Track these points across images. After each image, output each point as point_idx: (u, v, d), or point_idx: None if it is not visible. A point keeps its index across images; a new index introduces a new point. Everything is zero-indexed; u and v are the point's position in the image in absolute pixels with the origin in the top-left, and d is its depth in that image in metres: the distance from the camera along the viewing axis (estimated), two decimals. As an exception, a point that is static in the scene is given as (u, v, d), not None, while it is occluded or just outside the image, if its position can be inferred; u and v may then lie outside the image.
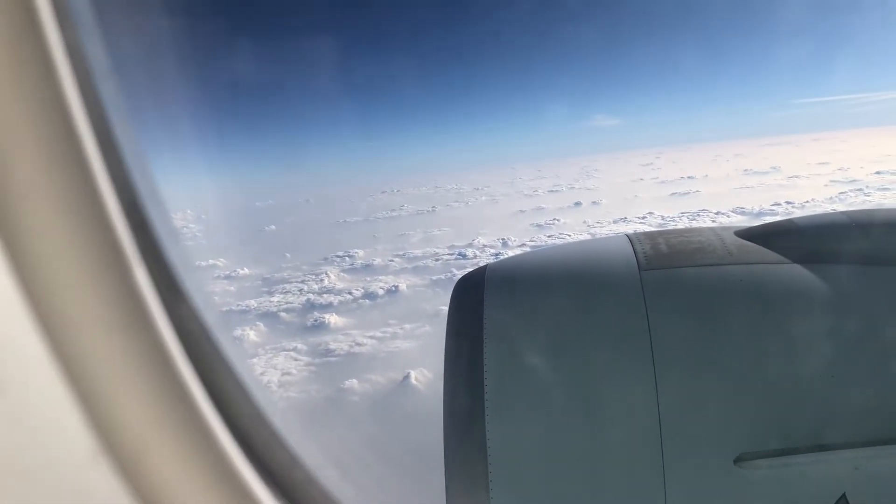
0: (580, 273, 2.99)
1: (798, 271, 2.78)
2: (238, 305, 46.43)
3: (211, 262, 64.01)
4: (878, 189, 72.58)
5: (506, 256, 3.53)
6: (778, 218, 3.45)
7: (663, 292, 2.74)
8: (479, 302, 2.82)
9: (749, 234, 3.07)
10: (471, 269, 3.17)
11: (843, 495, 2.36)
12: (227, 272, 59.42)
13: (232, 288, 53.98)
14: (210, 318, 1.48)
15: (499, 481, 2.48)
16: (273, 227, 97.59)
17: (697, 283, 2.79)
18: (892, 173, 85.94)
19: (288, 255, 65.26)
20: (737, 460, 2.41)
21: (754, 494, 2.44)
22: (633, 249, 2.98)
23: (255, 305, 45.78)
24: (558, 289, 2.92)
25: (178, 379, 1.27)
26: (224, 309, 45.79)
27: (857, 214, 3.11)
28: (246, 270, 59.25)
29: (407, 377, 28.92)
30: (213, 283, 55.73)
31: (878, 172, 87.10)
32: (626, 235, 3.18)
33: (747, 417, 2.51)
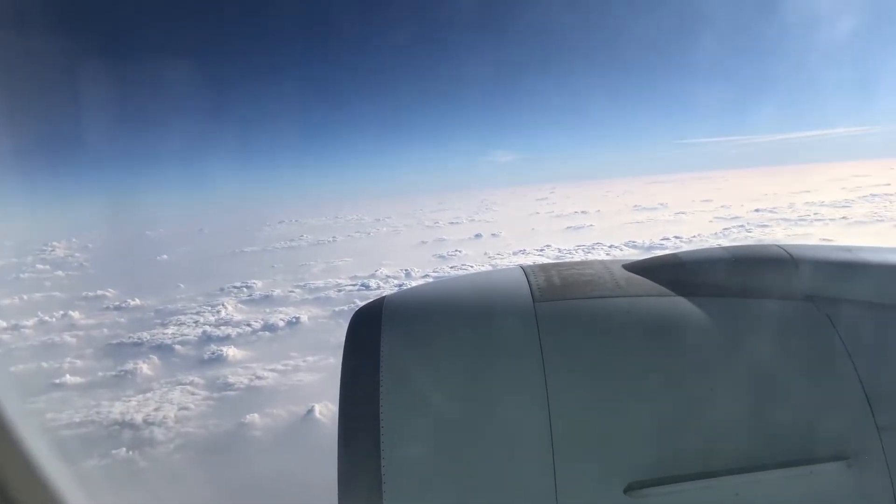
0: (476, 304, 3.05)
1: (682, 303, 2.93)
2: (129, 338, 44.43)
3: (99, 292, 61.17)
4: (758, 226, 77.42)
5: (405, 287, 3.61)
6: (667, 251, 3.67)
7: (556, 323, 2.82)
8: (376, 334, 2.83)
9: (636, 268, 3.22)
10: (368, 301, 3.20)
11: None
12: (117, 303, 56.87)
13: (122, 319, 51.62)
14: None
15: None
16: (165, 256, 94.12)
17: (588, 314, 2.89)
18: (770, 211, 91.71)
19: (182, 285, 63.12)
20: (626, 489, 2.49)
21: None
22: (528, 281, 3.07)
23: (148, 338, 43.91)
24: (455, 320, 2.96)
25: None
26: (115, 342, 43.83)
27: (737, 250, 3.31)
28: (137, 301, 56.82)
29: (311, 411, 28.39)
30: (102, 315, 53.21)
31: (756, 210, 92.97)
32: (521, 267, 3.27)
33: (636, 446, 2.59)
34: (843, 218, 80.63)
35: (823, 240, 61.52)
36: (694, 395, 2.66)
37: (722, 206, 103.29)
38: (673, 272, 3.13)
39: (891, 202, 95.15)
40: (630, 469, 2.52)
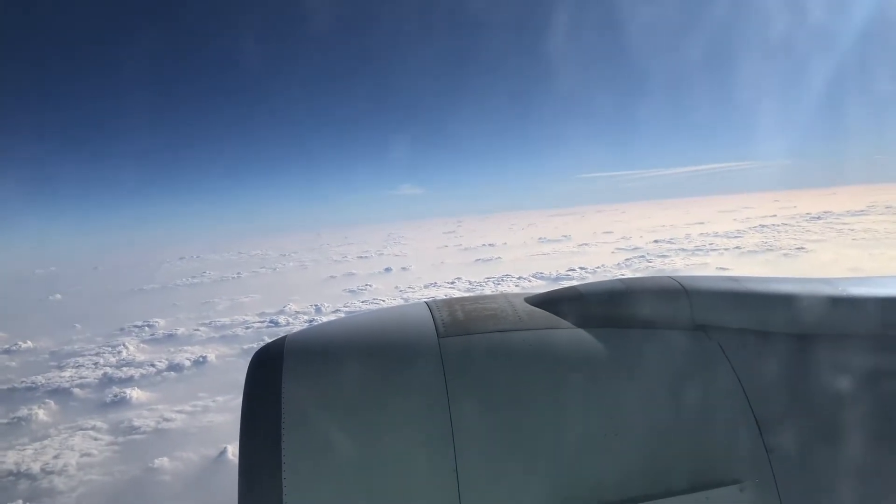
0: (381, 341, 3.04)
1: (581, 335, 3.01)
2: (22, 382, 41.84)
3: (-15, 335, 57.49)
4: (658, 256, 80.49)
5: (308, 326, 3.64)
6: (573, 282, 3.86)
7: (460, 358, 2.84)
8: (277, 375, 2.76)
9: (538, 301, 3.30)
10: (268, 341, 3.09)
11: None
12: (7, 346, 53.59)
13: (13, 363, 48.61)
14: None
15: None
16: (58, 296, 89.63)
17: (491, 348, 2.91)
18: (668, 241, 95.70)
19: (78, 325, 60.19)
20: None
21: None
22: (432, 316, 3.10)
23: (43, 381, 41.47)
24: (359, 358, 2.92)
25: None
26: (6, 387, 41.22)
27: (633, 282, 3.40)
28: (29, 343, 53.75)
29: (223, 452, 27.43)
30: (-10, 359, 49.98)
31: (656, 241, 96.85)
32: (426, 303, 3.32)
33: (542, 480, 2.63)
34: (737, 248, 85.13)
35: (720, 269, 64.67)
36: (592, 426, 2.72)
37: (622, 238, 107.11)
38: (572, 305, 3.21)
39: (777, 232, 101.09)
40: (535, 503, 2.57)
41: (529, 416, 2.74)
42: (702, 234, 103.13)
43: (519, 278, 69.30)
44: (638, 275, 4.04)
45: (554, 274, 70.02)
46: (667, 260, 76.84)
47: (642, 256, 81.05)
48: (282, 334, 3.09)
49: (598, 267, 73.20)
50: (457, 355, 2.84)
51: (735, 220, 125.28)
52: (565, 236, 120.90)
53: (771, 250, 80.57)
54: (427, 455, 2.62)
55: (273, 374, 2.77)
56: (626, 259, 79.65)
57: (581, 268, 73.18)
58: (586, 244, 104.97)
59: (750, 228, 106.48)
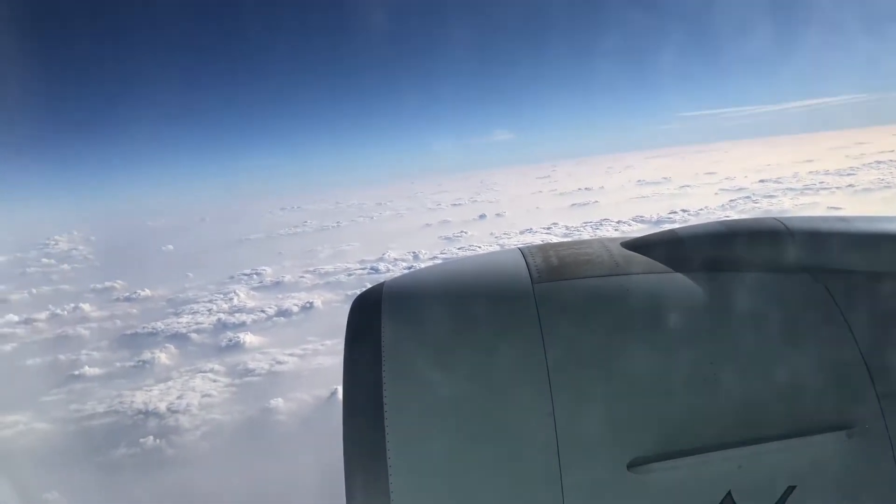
0: (475, 287, 3.06)
1: (679, 279, 2.93)
2: (144, 328, 44.49)
3: (107, 284, 61.27)
4: (765, 196, 77.27)
5: (405, 272, 3.64)
6: (675, 225, 3.69)
7: (554, 304, 2.82)
8: (376, 320, 2.81)
9: (634, 245, 3.21)
10: (367, 288, 3.14)
11: (729, 493, 2.51)
12: (127, 294, 56.94)
13: (134, 310, 51.71)
14: None
15: (400, 496, 2.50)
16: (170, 246, 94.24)
17: (587, 294, 2.90)
18: (775, 181, 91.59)
19: (190, 274, 63.21)
20: (630, 465, 2.51)
21: (647, 497, 2.53)
22: (526, 263, 3.07)
23: (163, 327, 43.98)
24: (454, 304, 2.95)
25: None
26: (129, 332, 43.88)
27: (734, 224, 3.31)
28: (148, 292, 56.91)
29: (334, 393, 28.44)
30: (113, 306, 53.29)
31: (761, 181, 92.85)
32: (519, 249, 3.28)
33: (638, 423, 2.59)
34: (850, 186, 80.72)
35: (831, 209, 61.53)
36: (694, 370, 2.67)
37: (726, 179, 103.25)
38: (670, 248, 3.12)
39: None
40: (633, 445, 2.53)
41: (627, 363, 2.70)
42: (811, 172, 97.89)
43: (618, 222, 67.90)
44: (743, 217, 3.77)
45: (654, 217, 68.35)
46: (774, 200, 73.88)
47: (748, 197, 78.06)
48: (382, 281, 3.11)
49: (701, 209, 71.15)
50: (551, 301, 2.82)
51: (847, 156, 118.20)
52: (665, 178, 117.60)
53: (888, 188, 76.29)
54: (524, 399, 2.63)
55: (373, 318, 2.82)
56: (731, 200, 76.92)
57: (683, 210, 71.36)
58: (688, 186, 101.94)
59: (864, 165, 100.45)
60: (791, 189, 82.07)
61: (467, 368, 2.72)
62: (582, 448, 2.55)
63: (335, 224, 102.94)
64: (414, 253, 62.34)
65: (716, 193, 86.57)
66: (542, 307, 2.78)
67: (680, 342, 2.76)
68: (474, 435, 2.61)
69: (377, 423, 2.56)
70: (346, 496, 2.57)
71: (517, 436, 2.59)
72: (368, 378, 2.65)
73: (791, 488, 2.53)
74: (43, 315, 51.17)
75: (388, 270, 55.32)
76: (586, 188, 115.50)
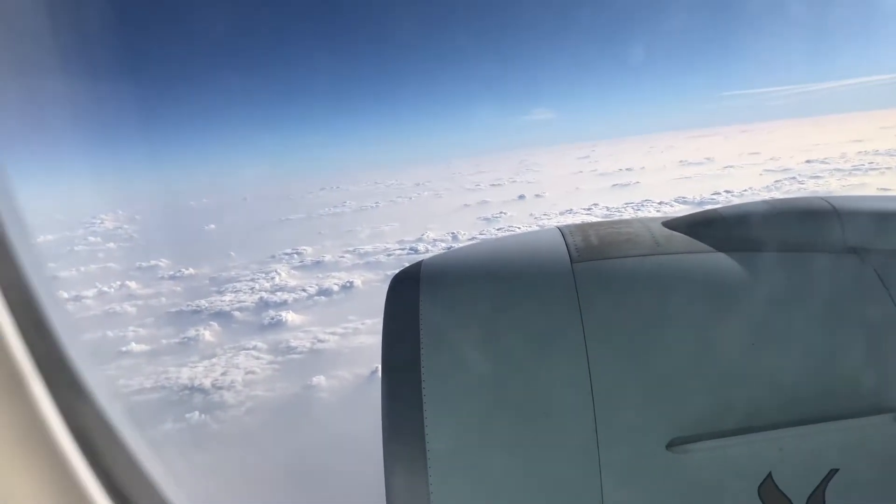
0: (514, 266, 3.05)
1: (722, 259, 2.89)
2: (188, 306, 45.28)
3: (152, 262, 62.36)
4: (811, 177, 75.51)
5: (441, 251, 3.60)
6: (718, 206, 3.58)
7: (594, 283, 2.81)
8: (414, 298, 2.84)
9: (676, 225, 3.17)
10: (405, 266, 3.18)
11: (769, 475, 2.48)
12: (172, 272, 57.91)
13: (178, 288, 52.63)
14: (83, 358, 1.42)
15: (438, 473, 2.52)
16: (213, 226, 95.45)
17: (627, 273, 2.87)
18: (822, 162, 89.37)
19: (233, 253, 63.97)
20: (669, 445, 2.49)
21: (686, 478, 2.52)
22: (565, 242, 3.05)
23: (207, 305, 44.68)
24: (493, 282, 2.97)
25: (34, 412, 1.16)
26: (174, 310, 44.72)
27: (778, 203, 3.27)
28: (191, 270, 57.82)
29: (374, 372, 28.66)
30: (158, 284, 54.31)
31: (808, 161, 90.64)
32: (558, 228, 3.26)
33: (678, 403, 2.59)
34: (901, 166, 78.11)
35: (881, 189, 59.97)
36: (736, 352, 2.65)
37: (771, 159, 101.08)
38: (713, 228, 3.09)
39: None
40: (672, 425, 2.53)
41: (667, 343, 2.69)
42: (860, 152, 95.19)
43: (660, 203, 67.03)
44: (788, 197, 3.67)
45: (697, 198, 67.16)
46: (821, 181, 72.24)
47: (793, 178, 76.41)
48: (420, 259, 3.09)
49: (746, 190, 69.70)
50: (590, 280, 2.81)
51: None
52: (708, 158, 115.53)
53: (944, 168, 73.86)
54: (561, 377, 2.64)
55: (411, 296, 2.85)
56: (776, 181, 75.36)
57: (727, 191, 69.94)
58: (731, 166, 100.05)
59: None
60: (839, 170, 79.99)
61: (505, 347, 2.73)
62: (620, 427, 2.54)
63: (374, 204, 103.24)
64: (453, 233, 62.31)
65: (760, 174, 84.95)
66: (581, 286, 2.76)
67: (721, 323, 2.73)
68: (511, 412, 2.63)
69: (415, 399, 2.58)
70: (384, 470, 2.59)
71: (554, 414, 2.60)
72: (407, 355, 2.68)
73: (833, 471, 2.49)
74: (91, 292, 52.35)
75: (427, 251, 55.34)
76: (627, 168, 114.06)
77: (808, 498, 2.48)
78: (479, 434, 2.64)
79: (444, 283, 2.99)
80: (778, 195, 64.70)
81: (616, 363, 2.63)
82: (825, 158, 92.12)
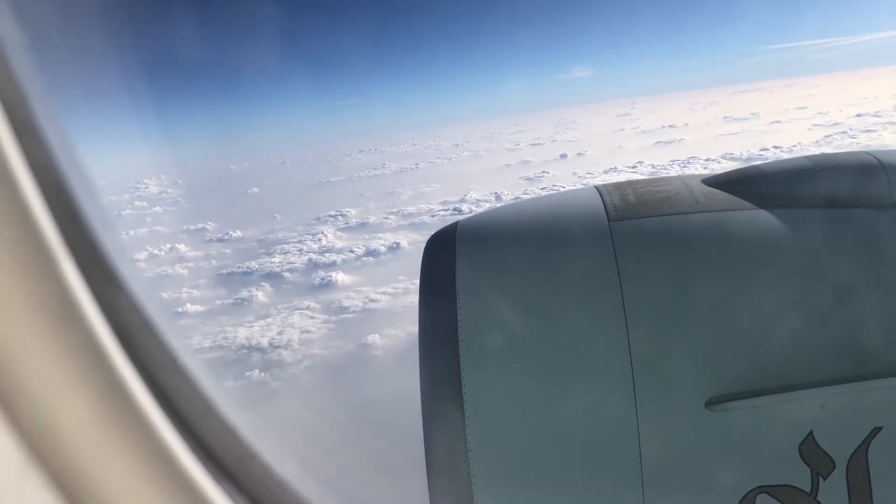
0: (550, 226, 3.03)
1: (763, 217, 2.83)
2: (239, 267, 46.01)
3: (199, 225, 63.32)
4: (863, 131, 73.31)
5: (470, 213, 3.53)
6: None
7: (632, 242, 2.77)
8: (450, 258, 2.84)
9: (716, 182, 3.11)
10: (441, 228, 3.16)
11: (811, 433, 2.45)
12: (220, 235, 58.81)
13: (228, 250, 53.47)
14: (150, 309, 1.37)
15: (476, 433, 2.52)
16: (255, 189, 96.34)
17: (665, 231, 2.83)
18: (873, 115, 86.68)
19: (277, 215, 64.64)
20: (707, 403, 2.47)
21: (725, 436, 2.50)
22: (602, 201, 3.01)
23: (257, 266, 45.38)
24: (529, 242, 2.94)
25: (116, 377, 1.14)
26: (225, 271, 45.48)
27: (822, 159, 3.18)
28: (238, 233, 58.62)
29: (427, 331, 28.94)
30: (207, 246, 55.19)
31: (858, 115, 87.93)
32: (595, 187, 3.22)
33: (717, 361, 2.56)
34: (960, 118, 75.52)
35: (938, 142, 58.10)
36: (777, 309, 2.61)
37: (819, 113, 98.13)
38: (754, 185, 3.03)
39: None
40: (712, 384, 2.50)
41: (706, 301, 2.66)
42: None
43: (707, 160, 65.68)
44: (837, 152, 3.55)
45: (745, 154, 65.80)
46: (874, 135, 70.05)
47: (844, 132, 74.17)
48: (456, 221, 3.07)
49: (795, 145, 67.94)
50: (628, 239, 2.78)
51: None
52: (753, 114, 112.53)
53: None
54: (600, 336, 2.64)
55: (447, 257, 2.88)
56: (826, 136, 73.26)
57: (775, 147, 68.29)
58: (778, 122, 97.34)
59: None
60: (893, 123, 77.57)
61: (542, 306, 2.75)
62: (658, 386, 2.55)
63: (414, 166, 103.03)
64: (496, 194, 62.03)
65: (809, 129, 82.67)
66: (619, 245, 2.75)
67: (762, 280, 2.71)
68: (549, 371, 2.65)
69: (453, 358, 2.62)
70: (423, 433, 2.64)
71: (591, 372, 2.62)
72: (444, 316, 2.72)
73: (877, 430, 2.46)
74: (142, 255, 53.46)
75: (471, 211, 54.99)
76: (670, 125, 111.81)
77: (851, 456, 2.45)
78: (517, 394, 2.65)
79: (480, 244, 3.00)
80: (830, 150, 62.70)
81: (654, 322, 2.63)
82: (877, 111, 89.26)
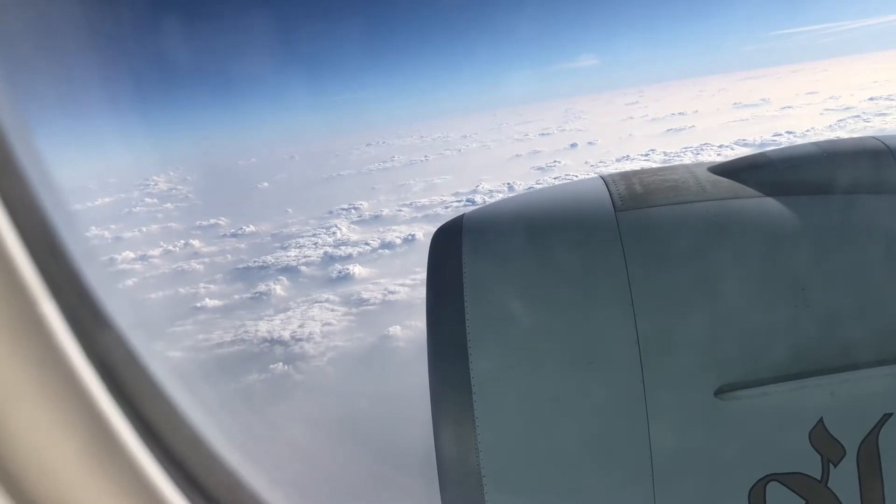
0: (557, 216, 3.03)
1: (770, 204, 2.82)
2: (254, 262, 46.17)
3: (212, 221, 63.52)
4: (876, 115, 72.90)
5: (483, 204, 3.56)
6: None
7: (638, 232, 2.77)
8: (457, 250, 2.84)
9: (722, 170, 3.11)
10: (447, 220, 3.16)
11: (821, 420, 2.45)
12: (233, 230, 59.01)
13: (242, 245, 53.67)
14: (138, 341, 1.39)
15: (484, 424, 2.53)
16: (265, 184, 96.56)
17: (672, 221, 2.83)
18: (886, 98, 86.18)
19: (289, 210, 64.80)
20: (717, 392, 2.47)
21: (735, 424, 2.50)
22: (608, 191, 3.01)
23: (273, 261, 45.53)
24: (535, 233, 2.93)
25: (101, 416, 1.14)
26: (241, 266, 45.61)
27: (829, 145, 3.15)
28: (252, 228, 58.82)
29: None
30: (221, 242, 55.35)
31: (871, 99, 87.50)
32: (601, 177, 3.22)
33: (726, 350, 2.56)
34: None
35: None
36: (784, 296, 2.59)
37: (830, 98, 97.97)
38: (761, 172, 3.02)
39: None
40: (721, 372, 2.50)
41: (714, 290, 2.64)
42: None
43: (720, 147, 65.45)
44: (845, 137, 3.53)
45: (758, 140, 65.51)
46: (887, 118, 69.67)
47: (857, 116, 73.81)
48: (462, 213, 3.08)
49: (808, 130, 67.75)
50: (635, 229, 2.77)
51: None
52: (763, 100, 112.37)
53: None
54: (607, 326, 2.62)
55: (454, 249, 2.85)
56: (839, 120, 72.98)
57: (788, 132, 68.01)
58: (789, 107, 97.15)
59: None
60: (906, 106, 77.07)
61: (549, 297, 2.73)
62: (667, 375, 2.53)
63: (423, 158, 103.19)
64: (508, 184, 62.01)
65: (821, 114, 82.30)
66: (626, 235, 2.74)
67: (770, 268, 2.69)
68: (557, 361, 2.64)
69: (461, 350, 2.59)
70: (433, 426, 2.62)
71: (599, 362, 2.60)
72: (451, 308, 2.69)
73: (887, 416, 2.46)
74: (156, 252, 53.66)
75: (484, 202, 55.04)
76: (679, 113, 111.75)
77: (861, 443, 2.45)
78: (525, 384, 2.64)
79: (486, 235, 3.00)
80: (843, 134, 62.78)
81: (662, 311, 2.62)
82: (889, 95, 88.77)
